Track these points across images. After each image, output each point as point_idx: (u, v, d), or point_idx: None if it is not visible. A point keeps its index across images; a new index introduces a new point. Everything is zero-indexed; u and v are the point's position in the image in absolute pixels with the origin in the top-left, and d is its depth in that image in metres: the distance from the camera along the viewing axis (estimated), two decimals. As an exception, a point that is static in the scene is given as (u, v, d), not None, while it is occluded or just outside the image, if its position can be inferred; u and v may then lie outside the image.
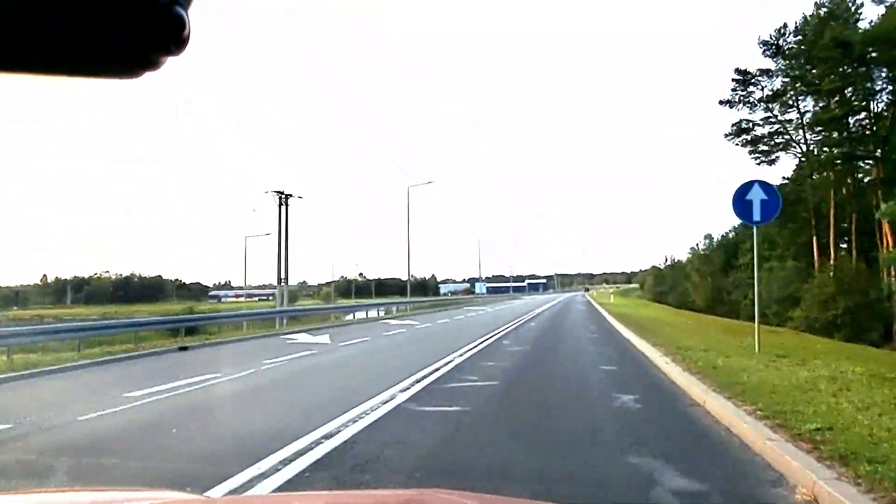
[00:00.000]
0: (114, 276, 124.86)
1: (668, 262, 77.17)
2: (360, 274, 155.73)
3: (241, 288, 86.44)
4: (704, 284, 52.17)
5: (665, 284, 70.86)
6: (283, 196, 28.72)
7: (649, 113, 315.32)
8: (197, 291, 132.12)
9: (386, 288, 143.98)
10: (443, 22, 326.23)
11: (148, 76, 0.54)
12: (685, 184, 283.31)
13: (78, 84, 0.54)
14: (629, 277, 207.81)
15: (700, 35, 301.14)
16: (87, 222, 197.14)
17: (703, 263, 54.85)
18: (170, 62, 0.54)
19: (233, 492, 4.10)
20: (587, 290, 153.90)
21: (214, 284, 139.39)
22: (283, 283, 29.32)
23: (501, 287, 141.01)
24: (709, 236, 58.95)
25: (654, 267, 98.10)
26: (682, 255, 71.86)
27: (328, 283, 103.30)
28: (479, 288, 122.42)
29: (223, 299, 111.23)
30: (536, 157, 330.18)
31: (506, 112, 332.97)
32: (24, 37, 0.49)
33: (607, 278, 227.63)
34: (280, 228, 28.88)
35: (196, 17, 0.54)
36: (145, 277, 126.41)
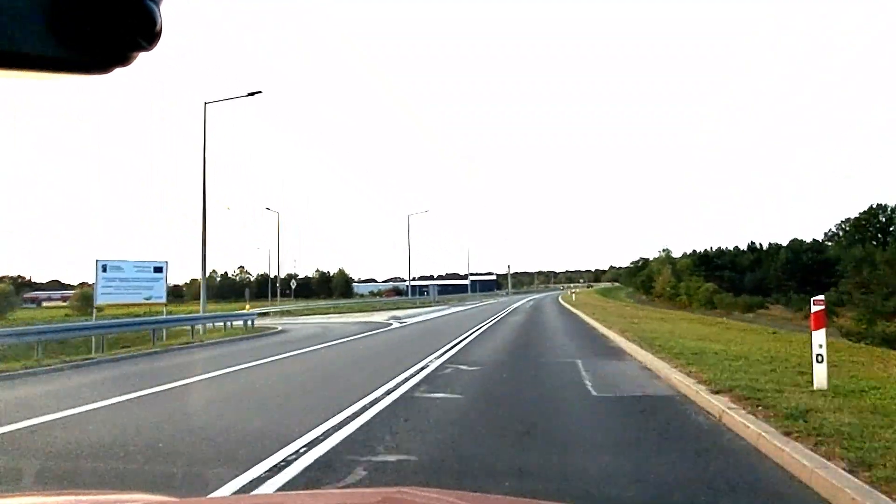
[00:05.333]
0: None
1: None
2: (241, 267, 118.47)
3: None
4: None
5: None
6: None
7: (622, 112, 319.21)
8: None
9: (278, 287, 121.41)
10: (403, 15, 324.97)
11: (118, 72, 0.52)
12: (651, 183, 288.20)
13: (48, 80, 0.52)
14: (597, 276, 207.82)
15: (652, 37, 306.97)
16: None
17: None
18: (141, 57, 0.53)
19: None
20: (590, 285, 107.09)
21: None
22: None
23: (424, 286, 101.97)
24: None
25: (665, 253, 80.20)
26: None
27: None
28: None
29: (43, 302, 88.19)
30: (503, 152, 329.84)
31: (459, 105, 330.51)
32: None
33: (571, 277, 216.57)
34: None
35: (168, 13, 0.52)
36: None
